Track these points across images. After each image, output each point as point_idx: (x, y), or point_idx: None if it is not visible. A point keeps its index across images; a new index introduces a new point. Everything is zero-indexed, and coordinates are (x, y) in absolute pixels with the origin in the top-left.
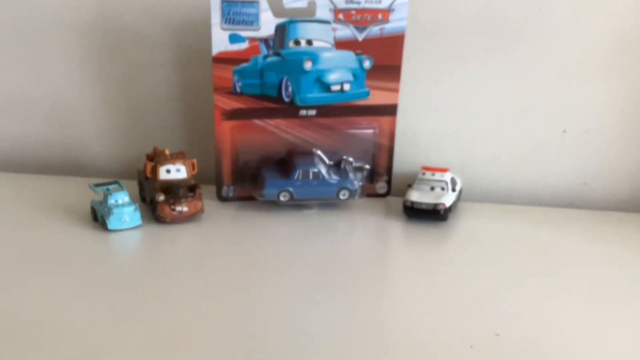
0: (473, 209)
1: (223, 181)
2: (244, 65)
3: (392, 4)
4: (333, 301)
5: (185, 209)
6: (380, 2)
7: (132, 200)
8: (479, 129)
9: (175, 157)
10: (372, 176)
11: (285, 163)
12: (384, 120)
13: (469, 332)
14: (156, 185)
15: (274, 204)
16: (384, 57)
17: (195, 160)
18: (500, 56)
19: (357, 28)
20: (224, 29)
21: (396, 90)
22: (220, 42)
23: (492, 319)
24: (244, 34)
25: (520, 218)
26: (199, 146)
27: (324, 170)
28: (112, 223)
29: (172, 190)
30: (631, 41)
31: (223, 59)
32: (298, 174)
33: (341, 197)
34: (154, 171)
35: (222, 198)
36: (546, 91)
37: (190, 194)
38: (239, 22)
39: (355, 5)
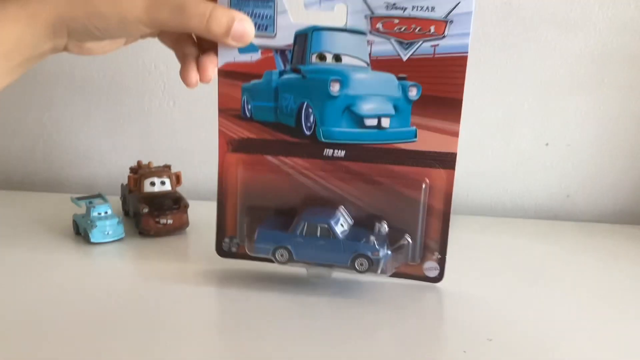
0: (458, 222)
1: (225, 231)
2: (255, 82)
3: (450, 12)
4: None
5: (170, 221)
6: (433, 9)
7: (116, 214)
8: (463, 143)
9: (160, 170)
10: (420, 252)
11: (294, 214)
12: (437, 174)
13: (462, 337)
14: (140, 197)
15: None
16: (437, 86)
17: (180, 173)
18: (483, 70)
19: (400, 43)
20: None
21: (455, 133)
22: (228, 50)
23: (484, 325)
24: (256, 41)
25: (506, 230)
26: (183, 160)
27: (338, 229)
28: (94, 236)
29: (157, 202)
30: (612, 57)
31: (231, 73)
32: (302, 227)
33: (357, 267)
34: (138, 184)
35: (222, 253)
36: (529, 105)
37: (175, 207)
38: None
39: (399, 12)
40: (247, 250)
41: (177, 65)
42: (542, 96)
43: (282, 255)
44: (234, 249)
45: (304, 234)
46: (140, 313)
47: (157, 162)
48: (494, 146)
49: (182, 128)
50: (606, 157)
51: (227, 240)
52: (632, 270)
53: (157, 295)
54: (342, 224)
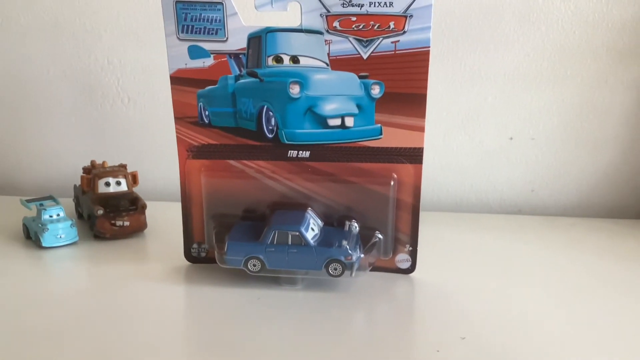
0: (424, 218)
1: (193, 237)
2: (210, 87)
3: (409, 7)
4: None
5: (126, 223)
6: (391, 4)
7: (68, 216)
8: (427, 138)
9: (116, 169)
10: (392, 245)
11: (262, 218)
12: (404, 169)
13: (435, 336)
14: (94, 198)
15: None
16: (400, 82)
17: (136, 172)
18: (445, 64)
19: (360, 41)
20: (181, 40)
21: (421, 128)
22: (179, 56)
23: (456, 323)
24: (207, 46)
25: (471, 226)
26: (140, 159)
27: (309, 235)
28: (46, 240)
29: (112, 203)
30: (574, 50)
31: (183, 80)
32: (273, 236)
33: (331, 272)
34: (92, 184)
35: (191, 259)
36: (492, 99)
37: (132, 208)
38: (199, 31)
39: (356, 10)
40: (217, 262)
41: (132, 59)
42: (506, 90)
43: (254, 266)
44: (203, 254)
45: (274, 242)
46: (96, 321)
47: (112, 162)
48: (458, 141)
49: (138, 125)
50: (570, 150)
51: (195, 246)
52: (597, 261)
53: (114, 301)
54: (312, 228)
